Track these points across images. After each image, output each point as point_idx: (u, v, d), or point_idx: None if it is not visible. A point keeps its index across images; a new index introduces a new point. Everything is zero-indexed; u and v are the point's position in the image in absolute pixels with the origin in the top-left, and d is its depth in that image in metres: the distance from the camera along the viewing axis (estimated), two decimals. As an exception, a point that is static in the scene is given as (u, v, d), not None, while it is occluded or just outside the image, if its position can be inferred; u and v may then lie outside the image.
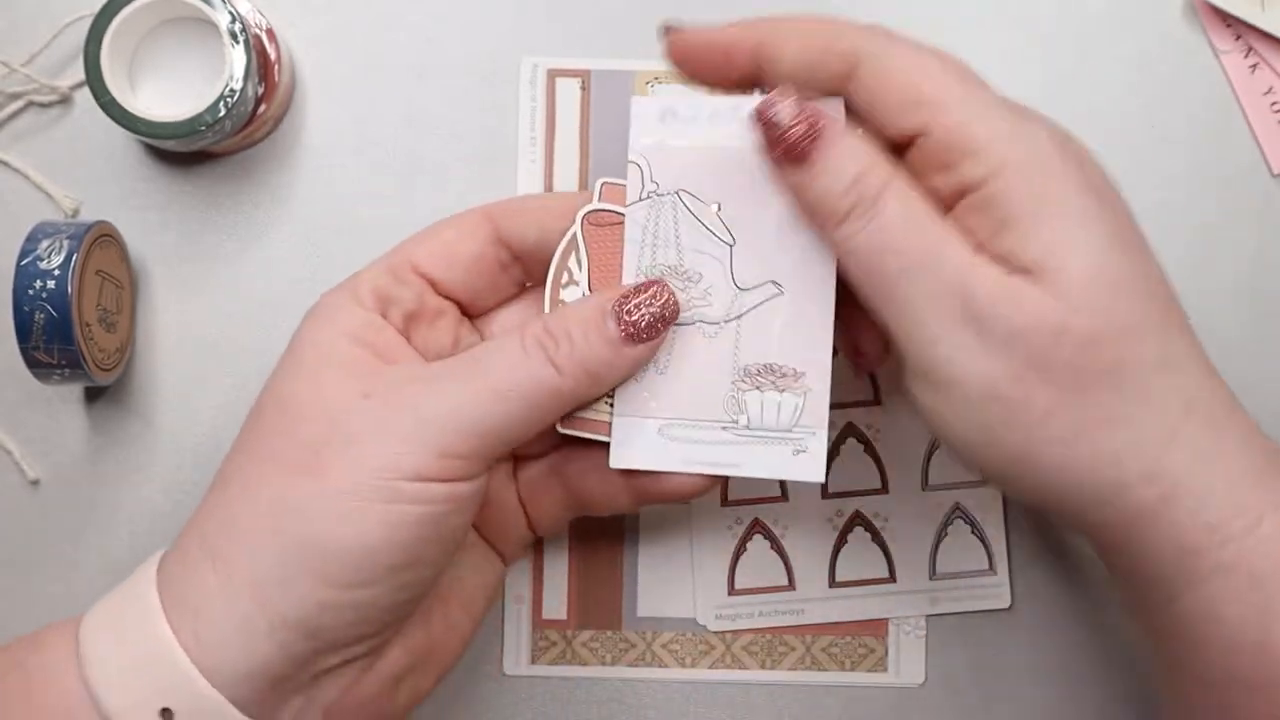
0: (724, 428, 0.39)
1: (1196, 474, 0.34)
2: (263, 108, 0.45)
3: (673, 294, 0.38)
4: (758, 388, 0.38)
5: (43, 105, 0.47)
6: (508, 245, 0.40)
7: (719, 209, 0.38)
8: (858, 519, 0.47)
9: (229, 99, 0.43)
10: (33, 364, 0.42)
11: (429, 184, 0.47)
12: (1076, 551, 0.46)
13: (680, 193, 0.38)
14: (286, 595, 0.35)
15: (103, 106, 0.43)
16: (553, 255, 0.39)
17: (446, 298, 0.40)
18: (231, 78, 0.43)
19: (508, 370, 0.36)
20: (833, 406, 0.38)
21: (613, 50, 0.48)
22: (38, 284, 0.41)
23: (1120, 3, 0.48)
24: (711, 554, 0.46)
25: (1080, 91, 0.47)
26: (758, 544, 0.47)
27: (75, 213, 0.47)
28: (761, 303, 0.38)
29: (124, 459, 0.47)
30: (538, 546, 0.46)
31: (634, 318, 0.37)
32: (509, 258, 0.41)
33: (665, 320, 0.38)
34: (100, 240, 0.43)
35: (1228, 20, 0.47)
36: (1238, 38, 0.47)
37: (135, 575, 0.37)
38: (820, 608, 0.46)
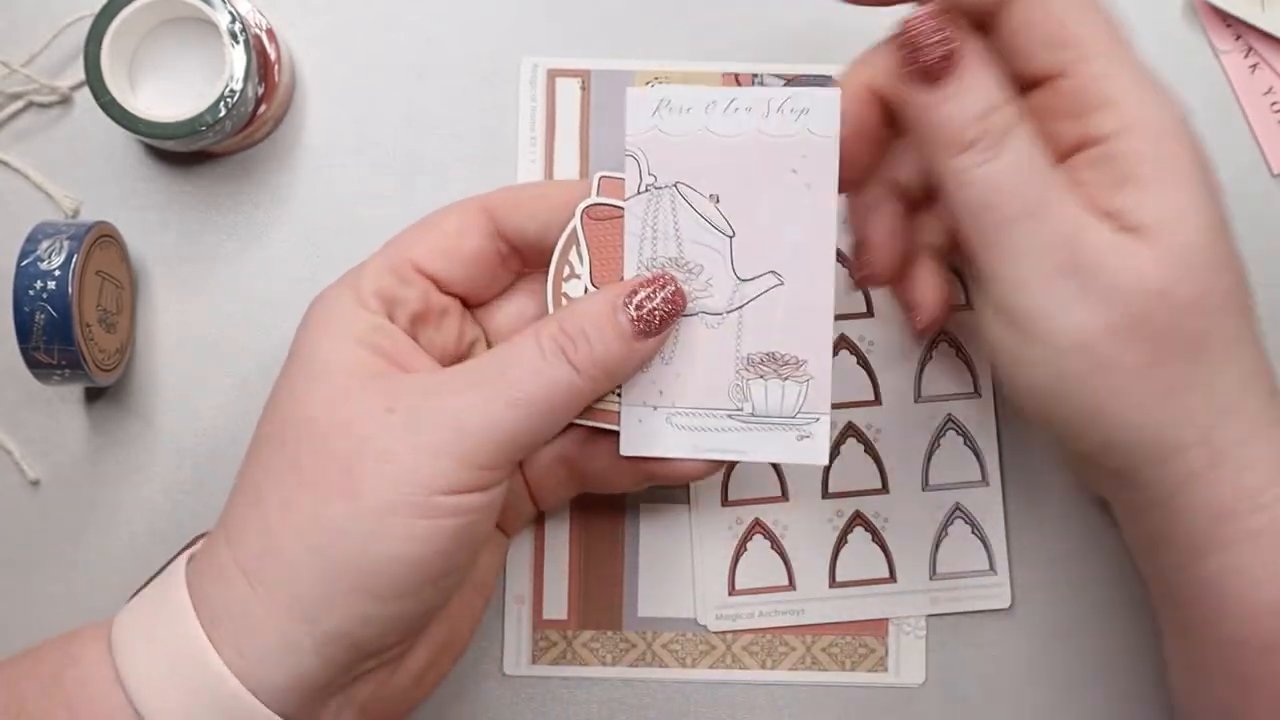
0: (729, 415, 0.39)
1: (1246, 444, 0.35)
2: (263, 108, 0.45)
3: (679, 286, 0.38)
4: (761, 376, 0.39)
5: (43, 105, 0.47)
6: (506, 239, 0.40)
7: (717, 200, 0.38)
8: (858, 519, 0.47)
9: (229, 99, 0.43)
10: (33, 364, 0.42)
11: (429, 184, 0.47)
12: (1077, 551, 0.46)
13: (678, 185, 0.39)
14: (331, 613, 0.35)
15: (103, 106, 0.43)
16: (552, 248, 0.40)
17: (448, 294, 0.40)
18: (231, 78, 0.43)
19: (530, 377, 0.36)
20: (833, 407, 0.39)
21: (613, 50, 0.48)
22: (38, 284, 0.41)
23: (1120, 3, 0.47)
24: (712, 554, 0.46)
25: (1080, 91, 0.47)
26: (758, 544, 0.47)
27: (75, 213, 0.47)
28: (762, 293, 0.39)
29: (124, 459, 0.47)
30: (538, 547, 0.46)
31: (644, 311, 0.38)
32: (508, 250, 0.41)
33: (674, 313, 0.38)
34: (100, 240, 0.43)
35: (1228, 20, 0.47)
36: (1238, 38, 0.47)
37: (166, 592, 0.36)
38: (820, 608, 0.46)
